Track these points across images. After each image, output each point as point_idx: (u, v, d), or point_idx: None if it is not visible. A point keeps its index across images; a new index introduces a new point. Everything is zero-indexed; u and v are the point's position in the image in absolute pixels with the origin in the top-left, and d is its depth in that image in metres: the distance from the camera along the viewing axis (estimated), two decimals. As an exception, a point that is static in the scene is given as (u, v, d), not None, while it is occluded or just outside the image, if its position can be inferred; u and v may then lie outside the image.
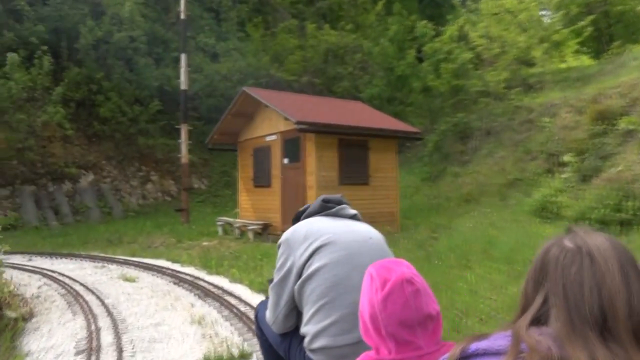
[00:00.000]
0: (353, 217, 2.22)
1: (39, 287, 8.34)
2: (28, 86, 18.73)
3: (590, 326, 0.81)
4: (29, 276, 9.43)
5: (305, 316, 1.94)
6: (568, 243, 0.92)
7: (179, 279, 8.44)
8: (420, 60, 25.07)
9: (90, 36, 22.03)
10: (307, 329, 1.92)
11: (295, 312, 2.08)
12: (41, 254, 12.86)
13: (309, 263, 1.95)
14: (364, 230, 2.12)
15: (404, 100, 25.21)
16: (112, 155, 22.84)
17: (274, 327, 2.13)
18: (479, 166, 18.94)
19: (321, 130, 11.75)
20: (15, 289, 8.03)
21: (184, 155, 18.56)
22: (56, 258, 12.13)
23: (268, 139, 13.58)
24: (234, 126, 14.66)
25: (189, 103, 24.40)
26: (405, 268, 1.37)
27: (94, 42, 22.35)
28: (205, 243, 13.14)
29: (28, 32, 20.84)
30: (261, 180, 13.92)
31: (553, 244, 0.94)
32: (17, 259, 11.93)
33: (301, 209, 2.42)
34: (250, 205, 14.65)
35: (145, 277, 8.99)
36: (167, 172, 24.20)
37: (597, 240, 0.89)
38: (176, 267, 10.09)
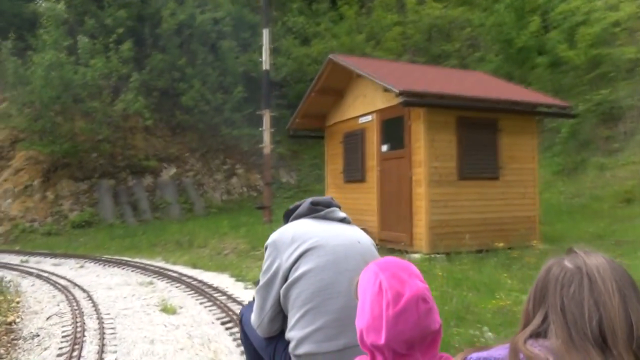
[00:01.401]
0: (342, 221, 2.16)
1: (48, 318, 6.13)
2: (104, 73, 17.43)
3: (591, 343, 0.84)
4: (52, 296, 7.34)
5: (291, 321, 1.90)
6: (568, 263, 0.96)
7: (230, 317, 5.80)
8: (546, 29, 20.67)
9: (172, 20, 20.53)
10: (293, 334, 1.88)
11: (281, 316, 2.01)
12: (95, 260, 11.02)
13: (295, 267, 1.91)
14: (352, 234, 2.08)
15: (525, 79, 20.95)
16: (196, 147, 21.24)
17: (259, 330, 2.08)
18: (635, 155, 14.61)
19: (433, 104, 8.57)
20: (18, 318, 5.89)
21: (267, 144, 16.19)
22: (106, 266, 10.19)
23: (362, 120, 10.64)
24: (320, 106, 11.89)
25: (276, 90, 22.24)
26: (418, 281, 1.29)
27: (177, 27, 20.83)
28: (283, 252, 10.53)
29: (110, 18, 19.71)
30: (353, 173, 11.03)
31: (554, 263, 0.98)
32: (64, 269, 10.12)
33: (291, 206, 2.29)
34: (341, 204, 11.81)
35: (191, 308, 6.49)
36: (254, 166, 22.20)
37: (597, 261, 0.94)
38: (238, 289, 7.53)
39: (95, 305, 6.55)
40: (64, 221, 16.35)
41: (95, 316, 6.01)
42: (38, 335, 5.42)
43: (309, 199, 2.19)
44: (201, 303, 6.68)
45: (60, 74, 15.94)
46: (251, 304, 2.28)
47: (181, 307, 6.49)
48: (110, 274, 9.32)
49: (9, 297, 7.04)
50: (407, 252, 8.91)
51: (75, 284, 8.00)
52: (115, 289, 7.73)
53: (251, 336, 2.23)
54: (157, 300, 6.89)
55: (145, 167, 19.09)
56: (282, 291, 1.93)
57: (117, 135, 18.86)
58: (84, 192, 17.49)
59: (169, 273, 8.85)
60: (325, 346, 1.81)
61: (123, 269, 9.77)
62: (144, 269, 9.42)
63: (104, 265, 10.39)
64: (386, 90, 8.66)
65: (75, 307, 6.41)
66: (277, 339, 2.04)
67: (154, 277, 8.63)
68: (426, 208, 8.62)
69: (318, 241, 1.94)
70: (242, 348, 5.04)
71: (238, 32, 22.93)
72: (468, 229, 8.70)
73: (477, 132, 9.02)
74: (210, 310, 6.26)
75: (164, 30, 20.56)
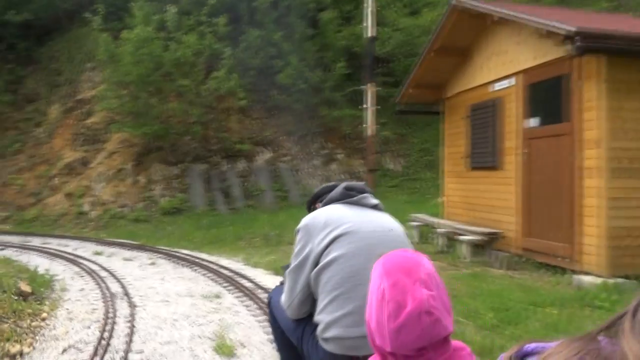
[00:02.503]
0: (375, 207, 2.12)
1: (64, 351, 4.44)
2: (198, 49, 16.18)
3: None
4: (92, 309, 5.73)
5: (320, 304, 1.90)
6: None
7: None
8: None
9: (268, -9, 18.88)
10: (321, 317, 1.89)
11: (310, 299, 2.01)
12: (170, 256, 9.54)
13: (326, 251, 1.91)
14: (385, 222, 2.06)
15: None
16: (292, 130, 19.52)
17: (289, 311, 2.08)
18: None
19: (627, 49, 5.70)
20: (29, 347, 4.31)
21: (370, 125, 13.92)
22: (178, 266, 8.61)
23: (497, 87, 7.96)
24: (438, 72, 9.34)
25: (381, 66, 19.84)
26: (423, 288, 1.18)
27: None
28: (388, 257, 8.23)
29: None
30: (482, 158, 8.40)
31: None
32: (131, 267, 8.71)
33: (317, 189, 2.33)
34: (462, 199, 9.25)
35: (255, 349, 4.46)
36: (355, 150, 20.05)
37: None
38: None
39: (131, 333, 4.76)
40: (154, 207, 15.44)
41: (121, 355, 4.19)
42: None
43: (343, 184, 2.14)
44: (272, 342, 4.63)
45: (149, 50, 14.89)
46: (279, 287, 2.39)
47: (243, 346, 4.50)
48: (178, 276, 7.69)
49: (37, 307, 5.54)
50: (569, 271, 6.20)
51: (128, 294, 6.37)
52: (172, 304, 5.97)
53: (279, 319, 2.23)
54: (215, 328, 4.98)
55: (239, 151, 17.73)
56: (312, 275, 1.92)
57: (210, 117, 17.65)
58: (175, 177, 16.50)
59: (244, 282, 6.97)
60: (352, 331, 1.79)
61: (194, 270, 8.11)
62: (217, 273, 7.65)
63: (176, 263, 8.84)
64: (550, 32, 5.92)
65: (106, 336, 4.67)
66: (306, 322, 2.03)
67: (224, 287, 6.80)
68: (602, 209, 5.83)
69: (350, 227, 1.93)
70: None
71: (339, 2, 20.77)
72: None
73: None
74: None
75: (260, 3, 18.96)
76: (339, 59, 19.52)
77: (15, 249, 10.77)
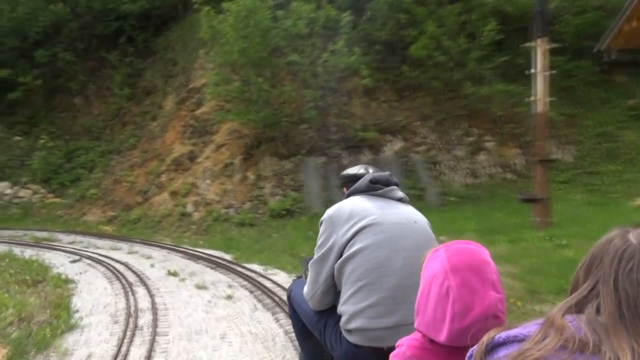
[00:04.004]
0: (400, 200, 2.09)
1: None
2: (313, 19, 13.46)
3: None
4: None
5: (344, 296, 1.89)
6: (633, 238, 0.87)
7: None
8: None
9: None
10: (345, 308, 1.86)
11: (333, 290, 1.99)
12: (255, 285, 6.80)
13: (351, 243, 1.89)
14: (409, 214, 2.03)
15: None
16: (428, 114, 16.02)
17: (311, 302, 2.06)
18: None
19: None
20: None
21: (540, 98, 9.95)
22: (260, 302, 5.77)
23: None
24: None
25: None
26: (492, 290, 1.14)
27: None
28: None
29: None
30: None
31: (617, 235, 0.89)
32: (202, 299, 6.12)
33: (350, 171, 2.33)
34: None
35: None
36: (509, 137, 15.97)
37: None
38: None
39: None
40: (263, 208, 13.09)
41: None
42: None
43: (368, 176, 2.11)
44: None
45: (255, 22, 12.49)
46: (299, 279, 2.43)
47: None
48: (249, 330, 4.85)
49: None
50: None
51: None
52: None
53: (300, 312, 2.23)
54: None
55: (363, 140, 14.72)
56: (336, 266, 1.92)
57: (329, 101, 14.87)
58: (288, 173, 14.00)
59: None
60: (377, 322, 1.79)
61: (277, 320, 5.19)
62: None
63: (259, 300, 6.03)
64: None
65: None
66: (328, 313, 2.03)
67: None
68: None
69: (375, 219, 1.92)
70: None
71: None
72: None
73: None
74: None
75: (388, -38, 15.70)
76: (487, 21, 15.44)
77: (89, 261, 9.01)
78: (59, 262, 9.33)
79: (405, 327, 1.64)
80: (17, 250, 10.82)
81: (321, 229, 2.00)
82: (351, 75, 15.29)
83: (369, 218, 1.89)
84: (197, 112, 16.18)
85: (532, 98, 10.15)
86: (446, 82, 15.96)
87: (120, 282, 7.15)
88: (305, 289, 2.08)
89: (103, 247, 11.19)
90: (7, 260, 9.45)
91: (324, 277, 1.95)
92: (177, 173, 14.98)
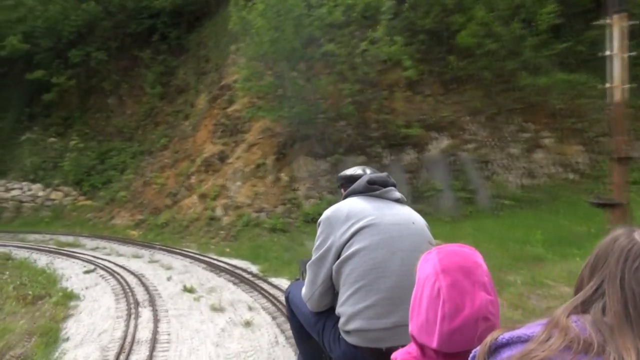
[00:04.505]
0: (398, 201, 2.06)
1: None
2: (347, 5, 12.32)
3: None
4: None
5: (342, 297, 1.87)
6: (638, 237, 0.85)
7: None
8: None
9: None
10: (343, 309, 1.84)
11: (331, 291, 1.97)
12: (277, 306, 5.71)
13: (349, 244, 1.87)
14: (407, 215, 2.00)
15: None
16: (479, 108, 14.60)
17: (309, 304, 2.03)
18: None
19: None
20: None
21: (617, 85, 8.45)
22: (282, 330, 4.69)
23: None
24: None
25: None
26: (482, 291, 1.12)
27: None
28: None
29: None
30: None
31: (623, 234, 0.87)
32: (208, 331, 5.10)
33: (347, 172, 2.30)
34: None
35: None
36: (571, 132, 14.32)
37: None
38: None
39: None
40: (296, 212, 12.07)
41: None
42: None
43: (366, 177, 2.08)
44: None
45: (286, 9, 11.46)
46: (296, 282, 2.40)
47: None
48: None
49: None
50: None
51: None
52: None
53: (298, 314, 2.20)
54: None
55: (406, 137, 13.47)
56: (334, 267, 1.89)
57: (369, 95, 13.68)
58: (324, 174, 12.92)
59: None
60: (375, 323, 1.78)
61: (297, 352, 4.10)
62: None
63: (281, 328, 4.95)
64: None
65: None
66: (326, 315, 2.00)
67: None
68: None
69: (373, 220, 1.89)
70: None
71: None
72: None
73: None
74: None
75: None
76: (544, 4, 13.87)
77: (102, 273, 8.20)
78: (72, 271, 8.59)
79: (403, 328, 1.52)
80: (35, 256, 10.21)
81: (319, 230, 1.97)
82: (393, 67, 14.11)
83: (366, 219, 1.88)
84: (229, 110, 15.33)
85: (607, 85, 8.64)
86: (498, 73, 14.49)
87: (127, 300, 6.22)
88: (303, 290, 2.06)
89: (125, 254, 10.45)
90: (20, 269, 8.81)
91: (322, 278, 1.93)
92: (207, 174, 14.16)
